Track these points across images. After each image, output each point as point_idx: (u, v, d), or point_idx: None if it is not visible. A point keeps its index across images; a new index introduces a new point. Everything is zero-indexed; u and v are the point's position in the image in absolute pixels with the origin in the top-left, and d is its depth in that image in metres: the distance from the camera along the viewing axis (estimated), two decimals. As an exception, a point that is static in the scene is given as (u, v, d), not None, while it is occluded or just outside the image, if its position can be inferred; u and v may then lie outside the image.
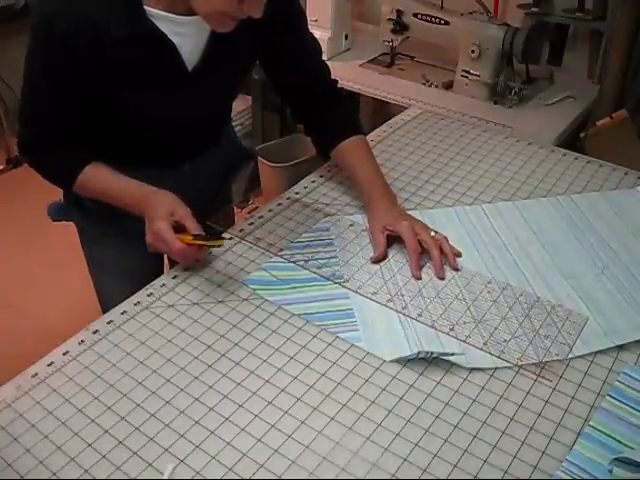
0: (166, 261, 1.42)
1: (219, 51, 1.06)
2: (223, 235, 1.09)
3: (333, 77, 1.26)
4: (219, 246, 1.05)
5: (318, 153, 1.29)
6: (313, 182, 1.30)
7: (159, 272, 1.26)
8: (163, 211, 1.01)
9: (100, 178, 1.11)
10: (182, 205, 1.03)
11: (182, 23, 1.00)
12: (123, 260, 1.28)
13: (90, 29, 0.94)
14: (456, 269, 1.06)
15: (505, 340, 0.93)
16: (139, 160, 1.13)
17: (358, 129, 1.24)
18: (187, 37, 1.02)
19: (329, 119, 1.23)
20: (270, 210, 1.21)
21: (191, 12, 0.99)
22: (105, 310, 1.03)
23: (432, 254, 1.06)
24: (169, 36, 1.00)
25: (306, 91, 1.22)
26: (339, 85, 1.27)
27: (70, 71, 0.98)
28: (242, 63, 1.15)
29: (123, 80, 1.01)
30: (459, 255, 1.09)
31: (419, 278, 1.04)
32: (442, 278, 1.04)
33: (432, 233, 1.08)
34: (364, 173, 1.18)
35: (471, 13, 1.93)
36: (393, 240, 1.10)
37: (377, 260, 1.07)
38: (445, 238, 1.09)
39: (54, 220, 1.27)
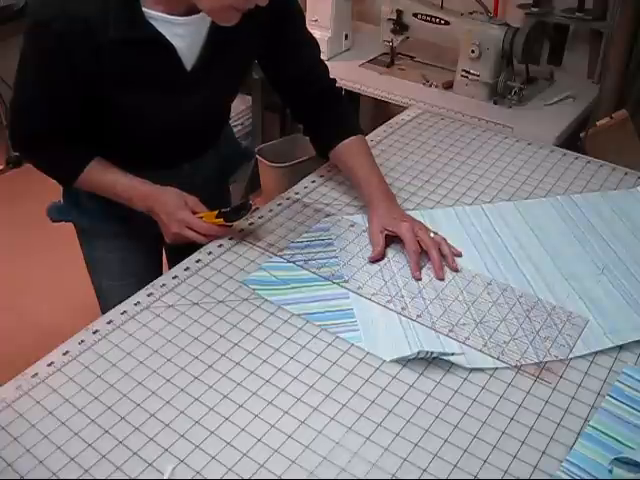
0: (165, 261, 1.42)
1: (217, 51, 1.06)
2: (250, 202, 1.11)
3: (332, 77, 1.25)
4: (241, 218, 1.10)
5: (316, 153, 1.29)
6: (313, 182, 1.30)
7: (158, 272, 1.26)
8: (178, 202, 1.10)
9: (102, 174, 1.12)
10: (188, 195, 1.11)
11: (180, 24, 1.00)
12: (122, 260, 1.28)
13: (86, 32, 0.94)
14: (455, 270, 1.06)
15: (505, 342, 0.93)
16: (139, 161, 1.13)
17: (357, 129, 1.23)
18: (185, 38, 1.02)
19: (327, 119, 1.23)
20: (270, 210, 1.21)
21: (188, 12, 0.99)
22: (104, 310, 1.03)
23: (431, 255, 1.06)
24: (167, 37, 1.00)
25: (304, 90, 1.22)
26: (339, 85, 1.27)
27: (66, 73, 0.98)
28: (240, 62, 1.15)
29: (122, 82, 1.01)
30: (459, 255, 1.09)
31: (419, 279, 1.04)
32: (441, 279, 1.04)
33: (431, 234, 1.08)
34: (363, 174, 1.18)
35: (471, 13, 1.93)
36: (393, 241, 1.10)
37: (374, 259, 1.07)
38: (444, 239, 1.09)
39: (53, 221, 1.27)
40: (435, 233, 1.09)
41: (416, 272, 1.04)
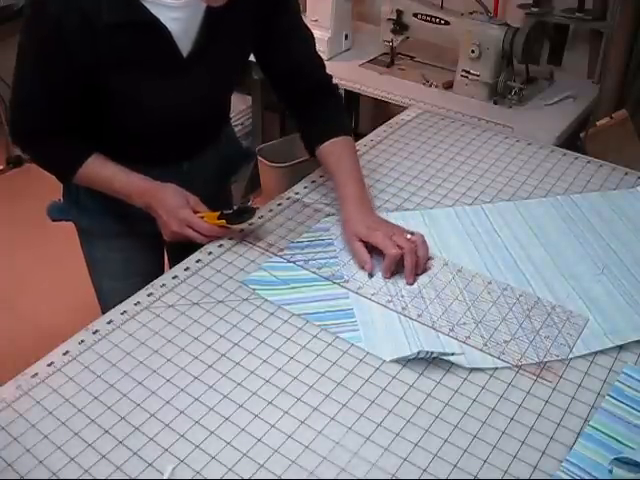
0: (166, 261, 1.42)
1: (213, 37, 1.06)
2: (254, 207, 1.10)
3: (329, 74, 1.24)
4: (244, 221, 1.09)
5: (305, 150, 1.26)
6: (313, 182, 1.30)
7: (159, 272, 1.26)
8: (180, 200, 1.08)
9: (101, 170, 1.11)
10: (189, 193, 1.10)
11: (175, 7, 1.00)
12: (123, 260, 1.28)
13: (82, 14, 0.94)
14: (424, 271, 1.04)
15: (505, 341, 0.93)
16: (137, 158, 1.12)
17: (343, 129, 1.21)
18: (180, 22, 1.01)
19: (316, 117, 1.22)
20: (270, 210, 1.21)
21: None
22: (105, 310, 1.03)
23: (405, 260, 1.02)
24: (162, 20, 0.99)
25: (295, 84, 1.20)
26: (338, 84, 1.26)
27: (63, 57, 0.98)
28: (237, 51, 1.14)
29: (117, 67, 1.01)
30: (430, 258, 1.07)
31: (410, 283, 1.03)
32: (411, 284, 1.02)
33: (408, 235, 1.05)
34: (339, 178, 1.15)
35: (471, 13, 1.93)
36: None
37: (369, 271, 1.04)
38: (422, 237, 1.06)
39: (53, 220, 1.27)
40: (412, 233, 1.06)
41: (387, 272, 1.03)
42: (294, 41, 1.18)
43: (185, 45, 1.05)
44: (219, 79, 1.15)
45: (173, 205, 1.08)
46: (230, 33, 1.08)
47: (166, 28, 1.01)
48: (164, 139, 1.14)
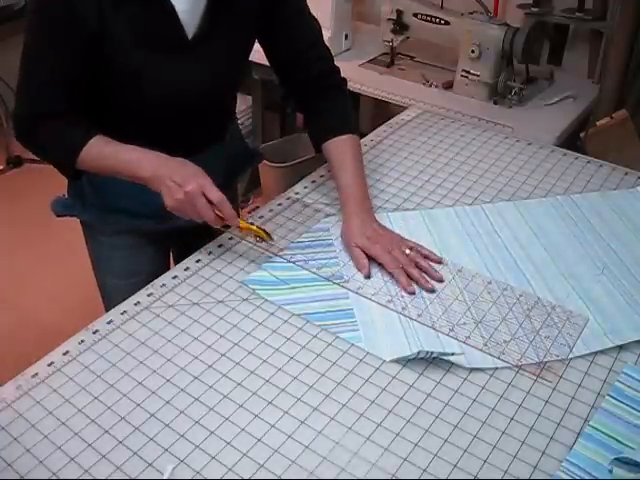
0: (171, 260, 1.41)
1: (217, 22, 1.06)
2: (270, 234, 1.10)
3: (336, 67, 1.23)
4: (261, 238, 1.08)
5: (312, 145, 1.25)
6: (313, 182, 1.30)
7: (164, 271, 1.25)
8: (198, 170, 1.02)
9: (105, 147, 1.06)
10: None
11: None
12: (128, 259, 1.26)
13: None
14: (440, 281, 1.03)
15: (505, 341, 0.93)
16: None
17: (350, 127, 1.20)
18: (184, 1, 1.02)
19: (321, 109, 1.21)
20: (270, 210, 1.21)
21: None
22: (108, 308, 1.03)
23: (411, 275, 1.03)
24: None
25: (299, 69, 1.20)
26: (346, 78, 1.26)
27: (72, 33, 0.98)
28: (242, 39, 1.14)
29: (122, 42, 1.00)
30: (439, 262, 1.07)
31: (429, 289, 1.02)
32: (431, 290, 1.01)
33: (407, 250, 1.05)
34: (343, 179, 1.15)
35: (471, 13, 1.93)
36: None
37: (366, 273, 1.05)
38: (419, 251, 1.06)
39: (58, 215, 1.25)
40: (410, 248, 1.06)
41: (408, 287, 1.02)
42: (297, 28, 1.18)
43: (190, 28, 1.05)
44: (221, 69, 1.14)
45: (190, 171, 1.02)
46: (234, 23, 1.08)
47: (170, 3, 1.01)
48: (165, 126, 1.12)
